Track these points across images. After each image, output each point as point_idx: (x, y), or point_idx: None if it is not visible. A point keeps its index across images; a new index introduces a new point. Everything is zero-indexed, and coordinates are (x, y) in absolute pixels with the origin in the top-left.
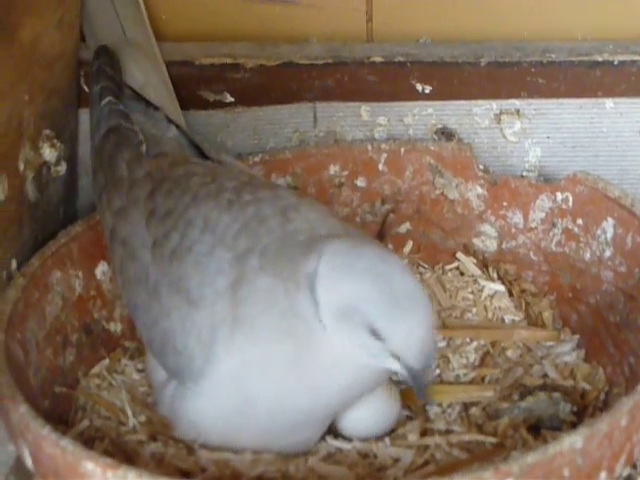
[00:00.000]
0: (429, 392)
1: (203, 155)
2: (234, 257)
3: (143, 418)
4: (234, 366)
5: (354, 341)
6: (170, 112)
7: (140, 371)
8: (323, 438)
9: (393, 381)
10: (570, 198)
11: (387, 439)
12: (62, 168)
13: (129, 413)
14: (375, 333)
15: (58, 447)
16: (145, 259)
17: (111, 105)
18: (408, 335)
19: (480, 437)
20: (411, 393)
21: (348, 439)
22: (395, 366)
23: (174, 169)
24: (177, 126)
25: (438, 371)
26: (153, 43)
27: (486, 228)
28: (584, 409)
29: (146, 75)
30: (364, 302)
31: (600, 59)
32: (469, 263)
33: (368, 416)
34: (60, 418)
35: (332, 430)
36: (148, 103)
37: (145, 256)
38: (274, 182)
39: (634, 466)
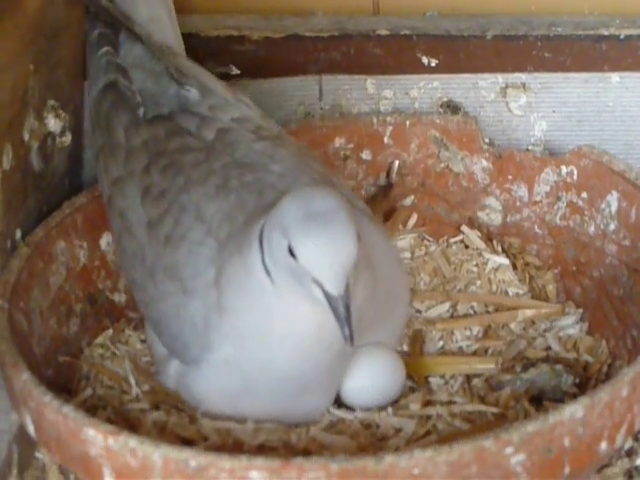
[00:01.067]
0: (352, 329)
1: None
2: (218, 246)
3: (146, 387)
4: (227, 353)
5: (286, 272)
6: (174, 47)
7: (144, 341)
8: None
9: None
10: (575, 171)
11: (389, 409)
12: (67, 139)
13: (132, 382)
14: (290, 249)
15: (60, 414)
16: (142, 237)
17: (109, 57)
18: (315, 249)
19: (482, 407)
20: (414, 363)
21: (351, 409)
22: (317, 293)
23: (170, 141)
24: (177, 82)
25: (441, 343)
26: None
27: (491, 201)
28: (586, 381)
29: (151, 8)
30: (284, 218)
31: (606, 33)
32: (474, 236)
33: (371, 386)
34: (63, 387)
35: (336, 399)
36: (151, 50)
37: (141, 234)
38: (265, 129)
39: (636, 439)
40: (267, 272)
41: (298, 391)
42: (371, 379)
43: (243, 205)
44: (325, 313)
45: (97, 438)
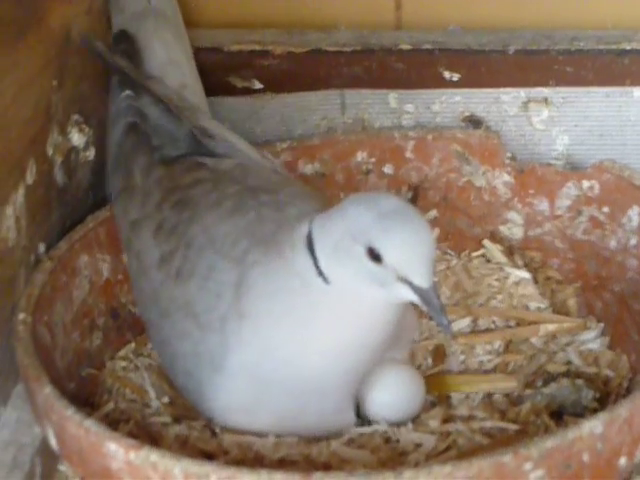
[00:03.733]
0: (446, 313)
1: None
2: (234, 262)
3: (167, 400)
4: (246, 358)
5: (360, 276)
6: (191, 90)
7: None
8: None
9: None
10: (596, 186)
11: (410, 424)
12: (91, 153)
13: (152, 395)
14: (373, 253)
15: (82, 428)
16: (155, 280)
17: (129, 100)
18: (402, 244)
19: (502, 424)
20: (435, 380)
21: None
22: (404, 292)
23: (184, 177)
24: (201, 142)
25: (462, 357)
26: (177, 12)
27: (512, 215)
28: (607, 396)
29: (169, 50)
30: (354, 224)
31: (628, 47)
32: (495, 250)
33: (393, 401)
34: (86, 401)
35: (359, 414)
36: (162, 102)
37: (155, 277)
38: (280, 172)
39: None
40: (322, 277)
41: (316, 395)
42: (391, 394)
43: (263, 219)
44: (382, 314)
45: (118, 452)
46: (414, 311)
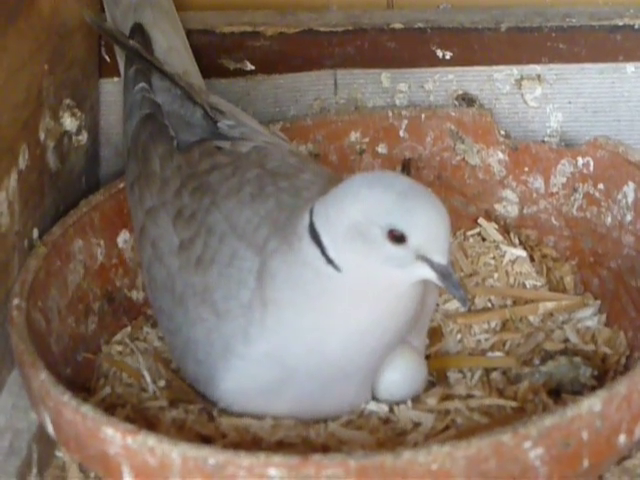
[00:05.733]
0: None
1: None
2: (256, 249)
3: (163, 383)
4: (269, 345)
5: (377, 258)
6: (192, 76)
7: (162, 338)
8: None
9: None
10: (591, 163)
11: (409, 402)
12: (83, 138)
13: (148, 379)
14: (395, 235)
15: (78, 413)
16: (172, 267)
17: (144, 92)
18: (428, 223)
19: (500, 401)
20: (433, 360)
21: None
22: (422, 270)
23: (202, 162)
24: (201, 105)
25: (459, 336)
26: (171, 1)
27: (507, 194)
28: (605, 373)
29: (168, 39)
30: (371, 207)
31: (621, 23)
32: (491, 229)
33: (396, 380)
34: (82, 386)
35: None
36: (175, 83)
37: (172, 263)
38: (295, 152)
39: None
40: (332, 265)
41: (339, 378)
42: (395, 373)
43: (282, 205)
44: (399, 297)
45: (116, 437)
46: (435, 295)
